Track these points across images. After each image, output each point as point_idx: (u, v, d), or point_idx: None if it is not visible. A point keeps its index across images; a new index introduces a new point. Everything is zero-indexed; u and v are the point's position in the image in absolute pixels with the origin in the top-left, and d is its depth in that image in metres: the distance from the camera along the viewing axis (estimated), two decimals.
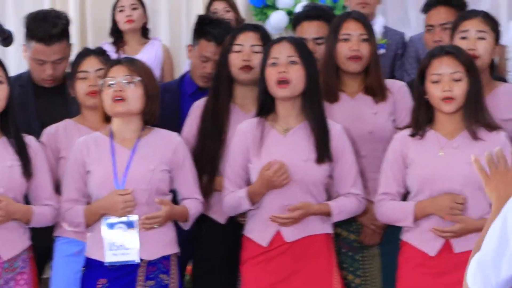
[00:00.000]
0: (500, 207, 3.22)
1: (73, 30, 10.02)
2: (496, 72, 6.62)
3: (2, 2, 11.38)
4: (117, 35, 8.89)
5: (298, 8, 9.10)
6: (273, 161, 5.50)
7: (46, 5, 10.46)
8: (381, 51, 7.63)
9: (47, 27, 6.54)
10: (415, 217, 5.43)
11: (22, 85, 6.63)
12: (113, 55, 7.99)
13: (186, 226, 5.74)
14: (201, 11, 10.18)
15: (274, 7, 10.58)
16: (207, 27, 6.86)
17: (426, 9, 7.30)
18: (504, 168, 3.53)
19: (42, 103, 6.59)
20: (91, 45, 10.23)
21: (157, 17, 10.38)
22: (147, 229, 5.46)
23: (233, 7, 8.99)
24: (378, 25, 8.07)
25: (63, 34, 6.65)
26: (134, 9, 8.82)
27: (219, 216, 5.98)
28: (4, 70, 5.54)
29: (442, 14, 7.01)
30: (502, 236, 3.05)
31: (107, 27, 9.25)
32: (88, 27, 11.09)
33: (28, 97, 6.59)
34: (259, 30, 6.35)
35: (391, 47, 8.10)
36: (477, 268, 3.14)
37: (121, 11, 8.80)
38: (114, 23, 8.93)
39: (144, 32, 8.90)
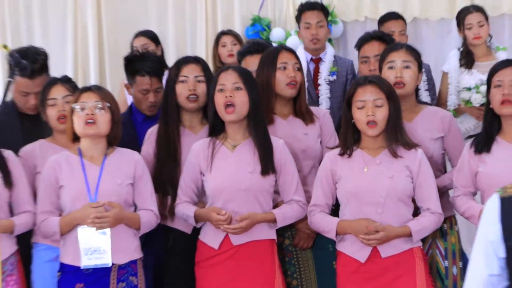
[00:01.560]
0: None
1: (92, 59, 11.07)
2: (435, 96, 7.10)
3: (30, 33, 11.60)
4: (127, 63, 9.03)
5: (289, 41, 9.96)
6: (223, 211, 5.80)
7: (69, 35, 11.27)
8: (333, 77, 8.12)
9: (29, 64, 6.78)
10: (337, 233, 5.79)
11: (7, 112, 6.95)
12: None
13: (138, 234, 6.03)
14: (204, 43, 10.94)
15: (268, 40, 10.69)
16: (137, 64, 7.21)
17: (361, 43, 7.52)
18: None
19: (26, 127, 6.81)
20: (109, 71, 11.32)
21: (166, 50, 10.33)
22: (98, 228, 5.75)
23: (239, 41, 9.34)
24: (328, 55, 8.67)
25: (43, 68, 6.88)
26: (148, 47, 9.02)
27: (185, 228, 6.26)
28: None
29: (375, 47, 7.24)
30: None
31: (123, 54, 9.05)
32: (106, 62, 11.40)
33: (14, 122, 6.84)
34: (200, 62, 6.66)
35: (342, 73, 8.57)
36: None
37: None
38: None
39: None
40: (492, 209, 3.47)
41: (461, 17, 8.78)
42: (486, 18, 8.72)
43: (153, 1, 11.54)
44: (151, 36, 9.46)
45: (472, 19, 8.62)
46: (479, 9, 8.82)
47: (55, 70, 8.16)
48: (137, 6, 11.55)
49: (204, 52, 10.88)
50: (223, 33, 9.55)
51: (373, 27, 9.94)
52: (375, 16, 10.45)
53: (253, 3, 11.31)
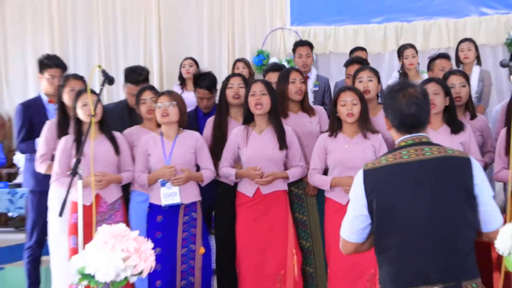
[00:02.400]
0: None
1: (154, 76, 11.31)
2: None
3: (116, 57, 12.31)
4: (182, 80, 9.58)
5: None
6: (258, 167, 6.21)
7: (141, 61, 11.76)
8: (316, 88, 8.57)
9: (135, 76, 7.36)
10: (330, 186, 6.05)
11: (121, 107, 7.35)
12: (179, 90, 8.87)
13: (202, 184, 6.37)
14: (226, 65, 11.52)
15: (281, 66, 10.36)
16: (199, 80, 7.58)
17: (347, 64, 7.98)
18: None
19: (133, 117, 7.06)
20: (166, 86, 11.77)
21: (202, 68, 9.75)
22: (176, 185, 6.16)
23: (249, 66, 9.30)
24: (313, 74, 9.00)
25: (144, 80, 7.37)
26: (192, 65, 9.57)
27: (229, 182, 6.52)
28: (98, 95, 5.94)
29: (356, 67, 7.28)
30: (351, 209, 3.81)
31: (176, 75, 10.01)
32: (164, 76, 12.12)
33: (125, 113, 7.23)
34: (241, 76, 6.99)
35: (321, 86, 8.90)
36: (343, 223, 3.84)
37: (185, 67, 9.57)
38: (180, 74, 9.65)
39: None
40: (359, 177, 3.73)
41: (401, 50, 9.00)
42: (416, 52, 8.99)
43: (194, 37, 12.15)
44: (194, 60, 9.81)
45: (408, 52, 8.85)
46: (412, 46, 9.06)
47: None
48: (185, 39, 12.16)
49: (226, 71, 11.17)
50: (237, 60, 9.50)
51: (335, 57, 11.10)
52: (335, 50, 11.32)
53: (259, 41, 11.83)
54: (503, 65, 5.63)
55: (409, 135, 3.71)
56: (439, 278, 3.48)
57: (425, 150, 3.62)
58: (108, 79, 5.71)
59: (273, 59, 11.48)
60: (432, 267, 3.49)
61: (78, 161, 5.29)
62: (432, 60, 8.23)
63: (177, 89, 9.25)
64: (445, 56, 8.14)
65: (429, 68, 8.18)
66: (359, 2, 11.52)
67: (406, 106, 3.68)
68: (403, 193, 3.58)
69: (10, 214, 10.44)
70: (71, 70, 10.57)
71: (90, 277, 3.83)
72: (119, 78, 7.74)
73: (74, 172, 5.29)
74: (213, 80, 7.55)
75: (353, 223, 3.72)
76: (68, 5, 12.28)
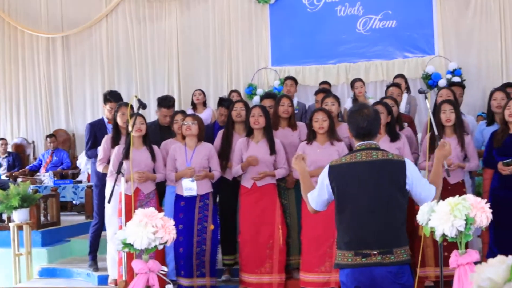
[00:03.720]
0: (302, 176, 4.03)
1: (176, 104, 10.18)
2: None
3: (147, 87, 12.17)
4: (194, 105, 9.27)
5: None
6: (254, 156, 6.17)
7: (165, 92, 11.54)
8: (296, 111, 8.14)
9: (167, 102, 7.31)
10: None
11: (155, 125, 7.25)
12: (190, 111, 8.32)
13: (213, 181, 6.36)
14: (226, 93, 10.28)
15: (255, 94, 11.31)
16: (224, 102, 7.52)
17: (317, 93, 7.92)
18: None
19: (162, 132, 7.06)
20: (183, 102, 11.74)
21: (209, 98, 10.55)
22: (197, 180, 6.17)
23: (240, 94, 9.13)
24: (295, 101, 8.69)
25: (173, 105, 7.33)
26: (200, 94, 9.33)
27: (229, 177, 6.53)
28: (144, 118, 6.29)
29: (321, 96, 7.16)
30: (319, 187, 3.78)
31: (188, 102, 9.93)
32: (182, 102, 11.83)
33: (157, 130, 7.11)
34: (243, 102, 6.90)
35: (300, 109, 8.74)
36: (310, 194, 3.84)
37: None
38: (192, 101, 9.38)
39: (204, 104, 9.26)
40: (326, 170, 3.74)
41: (352, 83, 8.76)
42: (363, 83, 8.76)
43: (203, 74, 11.98)
44: (202, 90, 9.57)
45: (357, 84, 8.59)
46: (361, 80, 8.84)
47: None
48: (196, 75, 12.01)
49: None
50: (232, 91, 9.33)
51: (303, 88, 10.91)
52: (303, 83, 11.10)
53: (249, 77, 11.73)
54: (420, 92, 5.60)
55: (362, 142, 3.73)
56: (376, 245, 3.52)
57: (372, 154, 3.64)
58: (142, 105, 5.74)
59: (259, 90, 11.41)
60: (372, 237, 3.54)
61: (121, 164, 5.49)
62: (388, 87, 8.06)
63: (190, 112, 8.77)
64: (396, 85, 8.03)
65: (386, 93, 7.92)
66: (319, 48, 11.41)
67: (361, 122, 3.70)
68: (354, 184, 3.61)
69: (74, 202, 10.44)
70: None
71: (130, 245, 3.98)
72: (150, 105, 7.92)
73: (118, 171, 5.49)
74: (230, 102, 7.35)
75: (318, 198, 3.77)
76: (114, 54, 12.29)
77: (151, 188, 6.27)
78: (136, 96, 5.97)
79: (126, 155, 5.84)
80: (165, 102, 7.34)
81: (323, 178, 3.73)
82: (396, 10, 11.24)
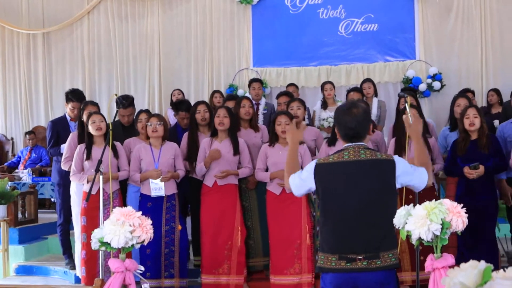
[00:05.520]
0: (292, 146, 3.87)
1: (156, 102, 11.09)
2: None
3: (128, 87, 11.99)
4: (173, 105, 8.51)
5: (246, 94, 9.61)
6: (215, 148, 6.17)
7: (146, 91, 11.76)
8: (265, 111, 8.38)
9: (123, 102, 7.08)
10: (270, 178, 6.04)
11: (116, 124, 6.99)
12: (171, 113, 8.51)
13: (178, 180, 6.35)
14: (207, 94, 10.92)
15: (236, 96, 10.66)
16: (179, 106, 7.36)
17: (278, 97, 7.93)
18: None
19: (125, 131, 6.98)
20: (165, 109, 11.29)
21: (189, 98, 10.58)
22: (163, 181, 6.16)
23: (222, 95, 9.06)
24: (262, 102, 8.73)
25: (129, 105, 7.13)
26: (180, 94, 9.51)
27: (199, 177, 6.42)
28: (104, 117, 6.23)
29: (284, 99, 7.50)
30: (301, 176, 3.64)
31: (169, 102, 9.94)
32: (163, 102, 11.77)
33: (119, 129, 6.91)
34: (205, 103, 6.84)
35: (269, 110, 8.65)
36: (292, 179, 3.68)
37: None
38: (171, 101, 9.50)
39: None
40: (312, 165, 3.59)
41: (322, 86, 8.70)
42: (334, 86, 8.69)
43: (184, 74, 11.94)
44: (181, 90, 9.82)
45: (327, 87, 8.53)
46: (330, 82, 8.80)
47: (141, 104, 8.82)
48: (177, 75, 11.98)
49: (207, 99, 10.02)
50: (215, 91, 9.32)
51: (285, 89, 10.32)
52: (284, 84, 10.81)
53: (230, 77, 11.68)
54: (399, 96, 5.65)
55: (350, 144, 3.58)
56: (362, 249, 3.38)
57: (361, 153, 3.50)
58: (122, 104, 5.93)
59: (240, 91, 11.38)
60: (358, 241, 3.40)
61: (99, 162, 5.49)
62: (348, 92, 8.12)
63: (170, 112, 9.04)
64: (357, 89, 8.04)
65: (346, 98, 7.97)
66: (301, 50, 11.53)
67: (349, 122, 3.54)
68: (341, 184, 3.47)
69: (52, 199, 10.25)
70: (96, 98, 11.23)
71: (107, 244, 3.96)
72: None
73: (97, 170, 5.47)
74: (190, 106, 7.33)
75: (300, 188, 3.66)
76: (95, 52, 12.38)
77: (114, 187, 6.27)
78: (116, 95, 6.12)
79: (87, 154, 6.05)
80: (122, 102, 7.22)
81: (308, 174, 3.58)
82: (378, 13, 11.33)
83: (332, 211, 3.50)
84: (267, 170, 6.22)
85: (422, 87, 10.74)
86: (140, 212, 4.09)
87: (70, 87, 11.79)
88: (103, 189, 5.65)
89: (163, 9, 12.13)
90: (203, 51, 11.95)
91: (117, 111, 7.12)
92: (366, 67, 11.25)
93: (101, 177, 5.50)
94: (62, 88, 12.14)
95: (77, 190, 6.50)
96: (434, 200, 3.48)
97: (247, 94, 9.05)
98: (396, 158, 3.52)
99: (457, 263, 1.87)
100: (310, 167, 3.58)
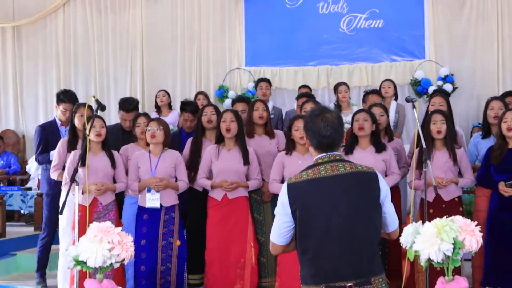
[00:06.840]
0: None
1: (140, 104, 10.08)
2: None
3: (108, 89, 11.61)
4: (158, 108, 9.10)
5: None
6: (229, 181, 5.96)
7: (128, 93, 11.20)
8: (272, 116, 7.76)
9: (126, 105, 7.09)
10: None
11: (117, 128, 7.11)
12: (155, 116, 8.30)
13: (178, 192, 6.15)
14: (193, 96, 10.00)
15: (227, 97, 10.87)
16: (185, 107, 7.35)
17: (299, 98, 7.61)
18: None
19: (125, 137, 6.93)
20: (148, 112, 10.50)
21: (175, 100, 10.18)
22: (156, 190, 5.95)
23: (207, 98, 8.96)
24: (270, 105, 8.24)
25: (133, 109, 7.11)
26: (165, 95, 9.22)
27: (199, 188, 6.35)
28: (104, 121, 6.10)
29: (303, 99, 7.11)
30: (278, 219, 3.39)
31: (153, 104, 9.55)
32: (146, 104, 11.18)
33: (119, 134, 7.00)
34: (214, 106, 6.73)
35: (276, 114, 8.46)
36: (272, 235, 3.37)
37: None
38: (156, 103, 9.24)
39: (170, 107, 9.15)
40: (284, 189, 3.33)
41: (336, 87, 8.56)
42: (348, 88, 8.57)
43: (169, 73, 11.59)
44: (166, 91, 9.42)
45: (341, 88, 8.39)
46: (345, 84, 8.62)
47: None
48: (162, 75, 11.66)
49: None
50: (199, 93, 9.20)
51: (280, 91, 10.66)
52: (280, 86, 10.77)
53: (220, 78, 11.33)
54: (407, 100, 5.39)
55: (325, 154, 3.34)
56: (352, 275, 3.14)
57: (339, 166, 3.26)
58: (101, 107, 5.58)
59: (231, 93, 11.17)
60: (347, 266, 3.16)
61: (75, 171, 5.26)
62: (366, 94, 7.96)
63: (154, 115, 8.81)
64: (376, 92, 7.93)
65: (364, 100, 7.91)
66: (298, 49, 11.19)
67: (324, 129, 3.31)
68: (322, 204, 3.22)
69: (22, 211, 10.18)
70: None
71: (83, 263, 3.86)
72: (111, 106, 8.19)
73: (72, 179, 5.28)
74: (196, 106, 7.34)
75: (279, 228, 3.34)
76: (71, 47, 12.01)
77: (110, 198, 6.09)
78: (94, 96, 5.77)
79: (82, 161, 5.63)
80: (125, 105, 7.19)
81: (282, 200, 3.32)
82: (383, 8, 11.01)
83: (313, 236, 3.24)
84: (283, 181, 5.92)
85: (432, 89, 10.33)
86: (120, 228, 3.97)
87: (43, 87, 12.27)
88: (98, 200, 5.78)
89: (146, 1, 11.82)
90: (191, 48, 11.64)
91: (94, 115, 6.83)
92: (370, 67, 10.91)
93: (76, 187, 5.34)
94: (34, 88, 12.09)
95: (67, 201, 6.32)
96: (460, 216, 3.41)
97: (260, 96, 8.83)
98: (378, 172, 3.34)
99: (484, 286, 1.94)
100: (282, 192, 3.34)
